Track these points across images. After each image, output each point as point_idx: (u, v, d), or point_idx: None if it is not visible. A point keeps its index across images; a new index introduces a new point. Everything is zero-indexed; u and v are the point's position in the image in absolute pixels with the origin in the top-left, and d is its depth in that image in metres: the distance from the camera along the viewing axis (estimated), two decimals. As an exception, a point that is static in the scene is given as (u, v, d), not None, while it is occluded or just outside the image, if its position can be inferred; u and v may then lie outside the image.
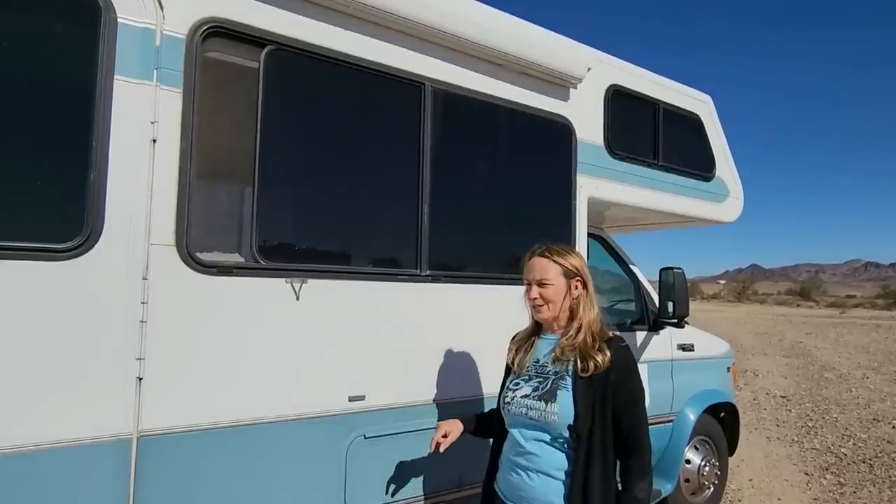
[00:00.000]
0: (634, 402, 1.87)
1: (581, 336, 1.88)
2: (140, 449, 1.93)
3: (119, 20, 1.94)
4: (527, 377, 1.97)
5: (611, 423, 1.82)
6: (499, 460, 2.05)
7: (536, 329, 2.07)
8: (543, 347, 2.00)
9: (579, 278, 1.96)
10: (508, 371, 2.10)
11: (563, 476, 1.83)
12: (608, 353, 1.83)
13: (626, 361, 1.87)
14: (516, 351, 2.06)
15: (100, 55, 1.91)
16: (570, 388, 1.84)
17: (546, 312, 1.96)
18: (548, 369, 1.93)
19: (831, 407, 8.91)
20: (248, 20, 2.22)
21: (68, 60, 1.92)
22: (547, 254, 1.97)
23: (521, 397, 1.92)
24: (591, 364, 1.82)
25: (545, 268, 1.95)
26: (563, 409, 1.82)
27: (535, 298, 1.95)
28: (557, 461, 1.85)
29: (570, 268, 1.95)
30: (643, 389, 1.91)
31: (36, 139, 1.86)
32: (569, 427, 1.81)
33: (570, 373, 1.87)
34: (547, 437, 1.86)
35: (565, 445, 1.84)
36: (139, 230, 1.96)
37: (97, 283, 1.87)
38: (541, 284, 1.95)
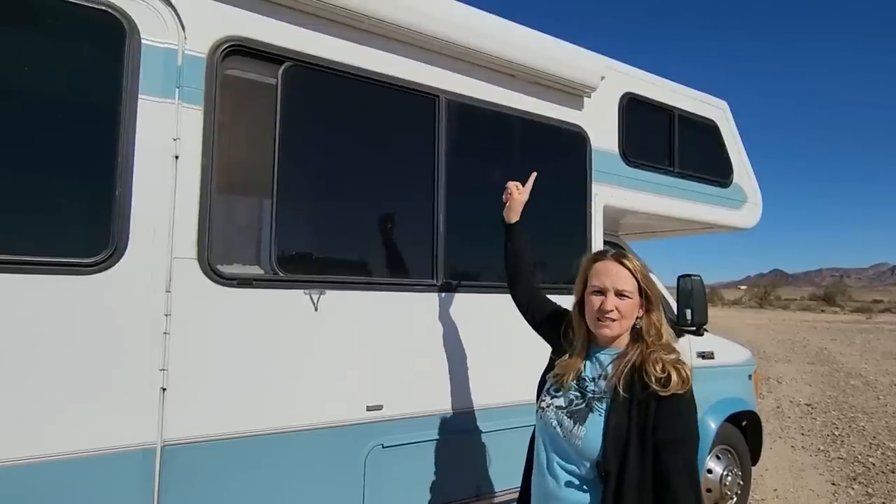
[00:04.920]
0: (678, 441, 1.54)
1: (652, 362, 1.59)
2: (164, 458, 1.97)
3: (143, 41, 2.01)
4: (567, 387, 1.74)
5: (650, 465, 1.53)
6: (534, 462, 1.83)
7: (588, 340, 1.77)
8: (594, 361, 1.74)
9: (645, 298, 1.69)
10: (553, 361, 1.86)
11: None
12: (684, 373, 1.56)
13: (679, 398, 1.57)
14: (567, 360, 1.77)
15: (125, 75, 1.97)
16: (604, 413, 1.60)
17: (616, 329, 1.66)
18: (588, 386, 1.69)
19: (858, 415, 8.70)
20: (265, 38, 2.28)
21: (95, 81, 1.99)
22: (626, 262, 1.68)
23: (556, 407, 1.72)
24: (671, 382, 1.54)
25: (625, 278, 1.66)
26: (589, 435, 1.60)
27: (611, 311, 1.63)
28: (581, 500, 1.63)
29: (644, 286, 1.67)
30: (693, 432, 1.59)
31: (64, 158, 1.93)
32: (597, 463, 1.58)
33: (608, 396, 1.62)
34: (573, 469, 1.65)
35: (592, 485, 1.61)
36: (162, 244, 2.01)
37: (122, 295, 1.93)
38: (620, 295, 1.65)
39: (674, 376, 1.55)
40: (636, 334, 1.69)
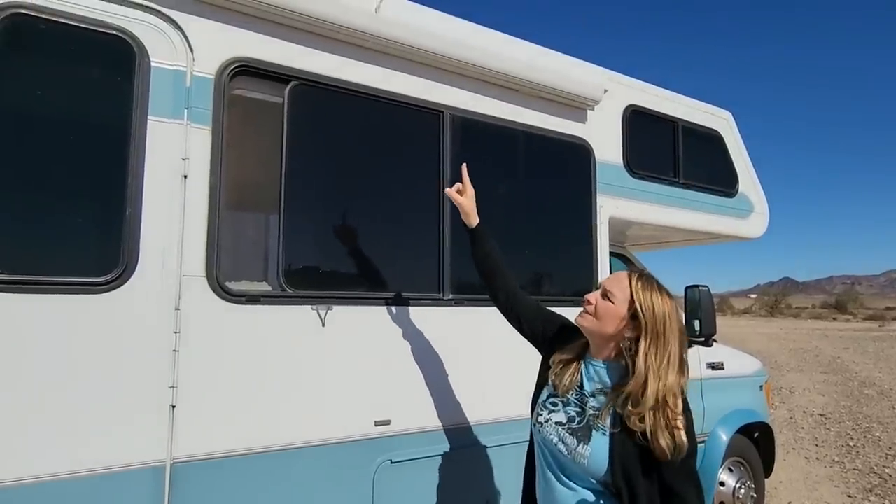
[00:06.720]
0: (677, 450, 1.51)
1: (650, 402, 1.50)
2: (173, 476, 1.97)
3: (153, 64, 2.05)
4: (565, 401, 1.70)
5: (657, 475, 1.54)
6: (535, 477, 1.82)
7: (585, 348, 1.75)
8: (590, 374, 1.70)
9: (638, 326, 1.59)
10: (545, 371, 1.83)
11: None
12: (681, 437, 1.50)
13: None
14: (561, 368, 1.74)
15: (135, 97, 2.02)
16: (608, 432, 1.57)
17: (586, 322, 1.68)
18: (588, 401, 1.65)
19: (873, 425, 8.58)
20: (272, 58, 2.32)
21: (107, 104, 2.03)
22: (633, 278, 1.66)
23: (556, 423, 1.67)
24: (658, 446, 1.48)
25: (620, 286, 1.65)
26: (595, 454, 1.56)
27: (588, 303, 1.68)
28: None
29: (638, 307, 1.59)
30: (693, 444, 1.55)
31: (76, 178, 1.97)
32: (605, 482, 1.56)
33: (611, 413, 1.58)
34: (579, 484, 1.61)
35: (601, 496, 1.59)
36: (172, 262, 2.03)
37: (132, 314, 1.95)
38: (604, 294, 1.67)
39: (660, 441, 1.48)
40: (630, 360, 1.59)
